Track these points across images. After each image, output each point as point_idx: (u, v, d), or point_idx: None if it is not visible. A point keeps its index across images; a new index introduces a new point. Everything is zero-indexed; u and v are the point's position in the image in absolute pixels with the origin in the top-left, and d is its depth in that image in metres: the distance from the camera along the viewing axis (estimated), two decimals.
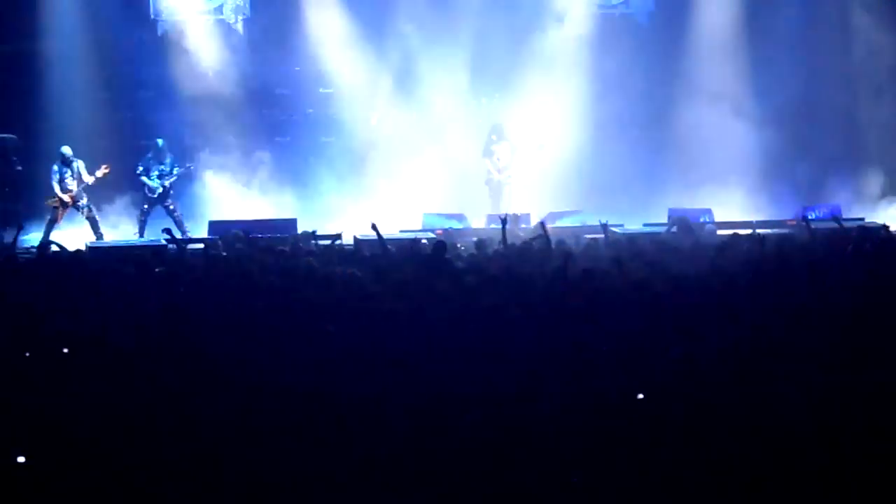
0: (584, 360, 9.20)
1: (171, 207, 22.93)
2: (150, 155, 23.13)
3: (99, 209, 23.22)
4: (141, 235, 22.64)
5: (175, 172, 22.87)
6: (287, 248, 15.95)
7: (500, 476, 7.35)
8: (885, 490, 7.10)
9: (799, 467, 7.31)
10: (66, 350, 9.82)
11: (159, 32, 25.61)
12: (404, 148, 26.10)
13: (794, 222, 23.09)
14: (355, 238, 19.42)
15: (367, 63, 25.71)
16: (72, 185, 22.39)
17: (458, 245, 17.58)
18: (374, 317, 10.67)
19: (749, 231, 17.61)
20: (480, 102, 26.48)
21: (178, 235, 21.00)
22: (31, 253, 18.41)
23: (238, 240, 16.85)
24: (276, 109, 25.90)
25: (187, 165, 22.95)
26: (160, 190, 22.74)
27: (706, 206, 23.92)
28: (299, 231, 19.80)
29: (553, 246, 15.57)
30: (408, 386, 8.68)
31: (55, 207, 22.40)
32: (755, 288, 12.01)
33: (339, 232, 20.48)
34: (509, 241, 16.73)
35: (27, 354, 9.84)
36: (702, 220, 22.82)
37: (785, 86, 25.51)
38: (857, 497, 7.08)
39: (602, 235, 17.96)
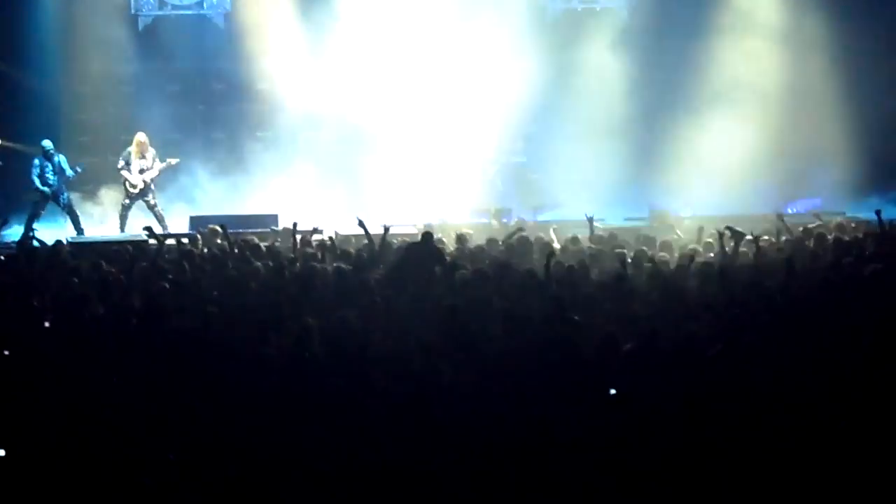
0: (568, 355, 9.22)
1: (152, 203, 22.85)
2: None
3: (81, 204, 23.17)
4: (122, 230, 22.56)
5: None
6: (268, 243, 15.94)
7: (487, 466, 7.36)
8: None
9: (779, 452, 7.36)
10: (45, 345, 9.81)
11: (140, 28, 25.53)
12: (387, 144, 26.10)
13: (774, 217, 23.13)
14: (336, 234, 19.40)
15: (348, 57, 25.66)
16: (53, 179, 22.31)
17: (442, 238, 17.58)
18: (356, 310, 10.67)
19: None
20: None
21: (159, 230, 20.95)
22: (12, 248, 18.36)
23: (216, 234, 16.81)
24: (258, 104, 25.81)
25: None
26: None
27: (687, 201, 23.95)
28: (280, 226, 19.78)
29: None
30: (391, 379, 8.69)
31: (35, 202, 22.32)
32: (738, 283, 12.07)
33: (320, 227, 20.48)
34: (491, 236, 16.77)
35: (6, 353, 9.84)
36: (681, 214, 22.87)
37: (767, 79, 25.52)
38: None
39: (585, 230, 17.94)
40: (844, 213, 22.71)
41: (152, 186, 22.88)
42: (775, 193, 24.89)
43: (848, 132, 25.54)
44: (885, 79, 26.09)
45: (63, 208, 22.51)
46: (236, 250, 14.96)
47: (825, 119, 25.88)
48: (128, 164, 22.86)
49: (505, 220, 21.24)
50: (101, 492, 7.31)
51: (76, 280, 13.14)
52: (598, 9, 27.11)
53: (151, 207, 22.82)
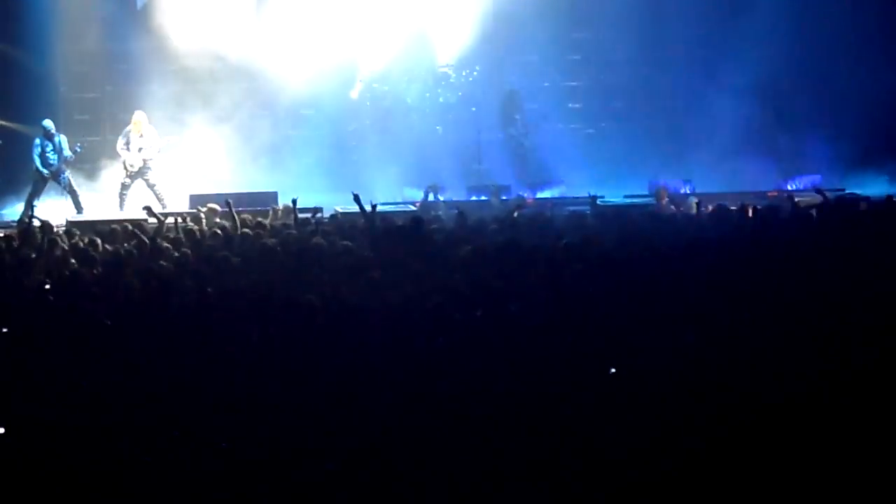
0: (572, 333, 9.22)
1: (152, 181, 22.82)
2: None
3: (80, 183, 23.16)
4: (121, 209, 22.54)
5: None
6: (267, 221, 15.92)
7: (487, 450, 7.36)
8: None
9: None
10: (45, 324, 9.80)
11: (138, 6, 25.47)
12: (384, 121, 26.12)
13: (776, 193, 23.13)
14: (336, 211, 19.41)
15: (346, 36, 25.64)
16: (53, 158, 22.30)
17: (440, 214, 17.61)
18: (359, 289, 10.67)
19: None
20: (460, 75, 26.44)
21: (159, 209, 20.93)
22: (11, 227, 18.34)
23: (216, 212, 16.79)
24: (257, 83, 25.75)
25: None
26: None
27: (687, 178, 23.96)
28: (280, 203, 19.77)
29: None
30: (393, 359, 8.68)
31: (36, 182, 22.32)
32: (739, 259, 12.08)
33: (319, 206, 20.48)
34: (492, 212, 16.75)
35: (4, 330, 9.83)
36: (682, 190, 22.87)
37: (766, 55, 25.47)
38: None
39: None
40: (844, 190, 22.72)
41: (151, 165, 22.83)
42: (775, 170, 24.90)
43: (847, 107, 25.52)
44: (883, 53, 26.05)
45: (63, 188, 22.50)
46: (240, 227, 14.93)
47: (824, 94, 25.88)
48: (127, 143, 22.82)
49: (504, 198, 21.21)
50: (97, 469, 7.30)
51: (74, 259, 13.13)
52: None
53: (151, 186, 22.79)
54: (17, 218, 20.50)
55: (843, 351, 8.51)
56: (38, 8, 24.77)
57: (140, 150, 22.73)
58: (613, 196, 22.13)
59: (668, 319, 9.49)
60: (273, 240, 13.91)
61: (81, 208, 22.44)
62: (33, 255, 13.54)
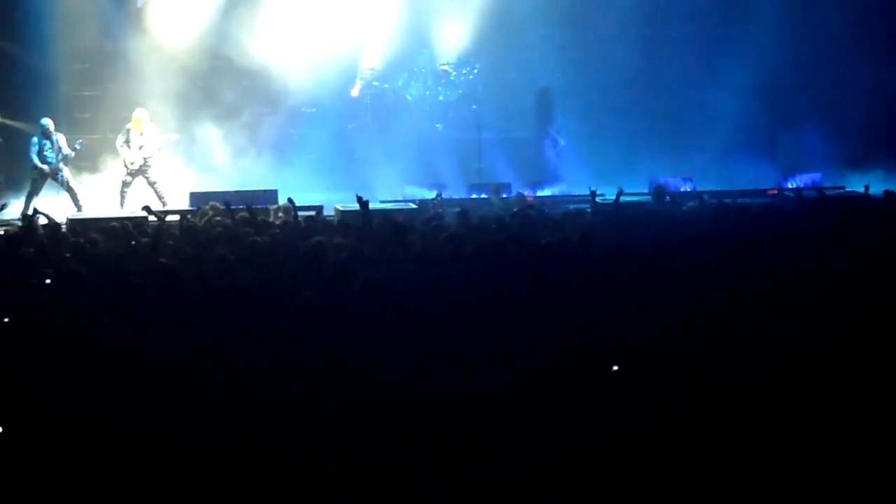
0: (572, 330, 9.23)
1: (152, 179, 22.82)
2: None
3: (80, 181, 23.17)
4: (122, 207, 22.54)
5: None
6: (268, 219, 15.93)
7: (483, 445, 7.36)
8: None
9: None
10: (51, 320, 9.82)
11: (138, 4, 25.47)
12: (385, 119, 26.16)
13: (776, 191, 23.17)
14: (336, 209, 19.42)
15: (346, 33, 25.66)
16: (51, 156, 22.30)
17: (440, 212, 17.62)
18: (356, 285, 10.67)
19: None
20: (461, 73, 26.47)
21: (159, 207, 20.95)
22: (14, 225, 18.34)
23: (217, 211, 16.79)
24: (257, 80, 25.74)
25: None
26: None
27: (687, 176, 23.99)
28: (280, 202, 19.77)
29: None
30: (394, 356, 8.69)
31: (34, 179, 22.33)
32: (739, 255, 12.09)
33: (320, 204, 20.50)
34: (493, 210, 16.74)
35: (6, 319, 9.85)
36: (683, 188, 22.90)
37: (766, 54, 25.49)
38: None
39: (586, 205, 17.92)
40: (844, 188, 22.76)
41: (151, 163, 22.82)
42: (775, 168, 24.94)
43: (848, 105, 25.54)
44: (883, 51, 26.08)
45: (62, 185, 22.49)
46: (239, 226, 14.95)
47: (825, 92, 25.91)
48: (127, 140, 22.81)
49: (504, 196, 21.23)
50: (97, 467, 7.31)
51: (76, 256, 13.14)
52: None
53: (151, 184, 22.79)
54: (16, 216, 20.52)
55: (845, 345, 8.52)
56: (39, 5, 24.76)
57: (140, 147, 22.72)
58: (613, 194, 22.10)
59: (669, 316, 9.49)
60: (269, 238, 13.93)
61: (80, 206, 22.43)
62: (33, 252, 13.54)
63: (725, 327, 9.21)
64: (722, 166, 24.70)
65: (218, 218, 16.39)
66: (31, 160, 22.42)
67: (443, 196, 20.81)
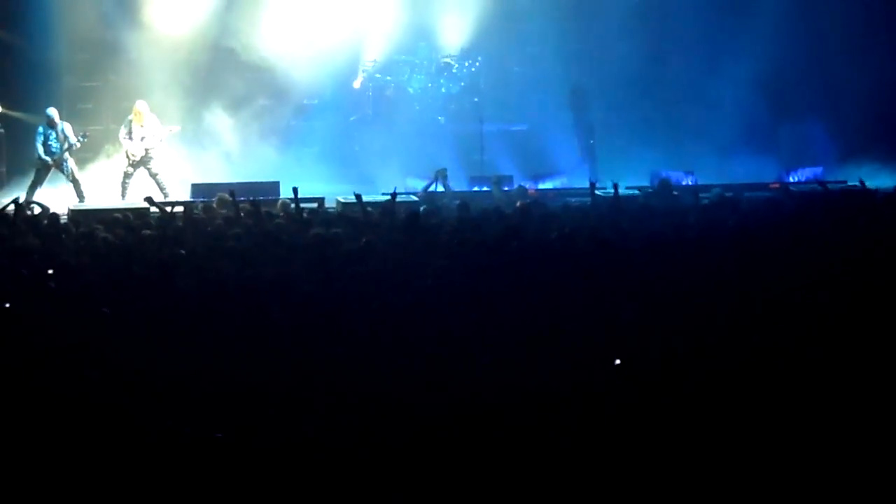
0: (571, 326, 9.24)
1: (154, 171, 22.82)
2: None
3: (83, 172, 23.18)
4: (123, 198, 22.55)
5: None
6: (272, 210, 15.92)
7: (489, 437, 7.37)
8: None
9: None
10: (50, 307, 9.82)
11: None
12: (387, 111, 26.17)
13: (777, 185, 23.16)
14: (338, 201, 19.43)
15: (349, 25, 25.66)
16: (56, 146, 22.32)
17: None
18: (358, 277, 10.69)
19: None
20: (463, 66, 26.47)
21: (161, 198, 20.96)
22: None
23: (224, 203, 16.78)
24: (259, 71, 25.73)
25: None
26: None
27: (688, 169, 23.97)
28: (282, 193, 19.77)
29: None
30: (393, 347, 8.70)
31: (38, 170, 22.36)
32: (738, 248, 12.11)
33: (321, 196, 20.51)
34: (494, 203, 16.73)
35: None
36: (685, 182, 22.89)
37: (767, 47, 25.48)
38: None
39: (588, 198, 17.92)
40: (846, 181, 22.73)
41: (153, 154, 22.82)
42: (777, 161, 24.94)
43: (849, 99, 25.53)
44: (884, 44, 26.07)
45: (66, 176, 22.50)
46: (242, 217, 14.95)
47: (826, 86, 25.90)
48: (129, 132, 22.82)
49: (506, 188, 21.22)
50: (96, 459, 7.32)
51: (76, 247, 13.14)
52: None
53: (153, 175, 22.79)
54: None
55: (849, 337, 8.54)
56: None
57: (142, 139, 22.72)
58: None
59: (670, 308, 9.51)
60: (275, 227, 13.94)
61: (83, 197, 22.45)
62: (36, 242, 13.54)
63: (727, 320, 9.23)
64: (723, 160, 24.70)
65: (223, 211, 16.38)
66: (35, 150, 22.44)
67: (446, 183, 20.83)
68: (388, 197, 16.57)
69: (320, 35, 25.25)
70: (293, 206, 15.99)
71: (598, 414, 7.59)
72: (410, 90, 26.44)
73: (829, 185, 19.37)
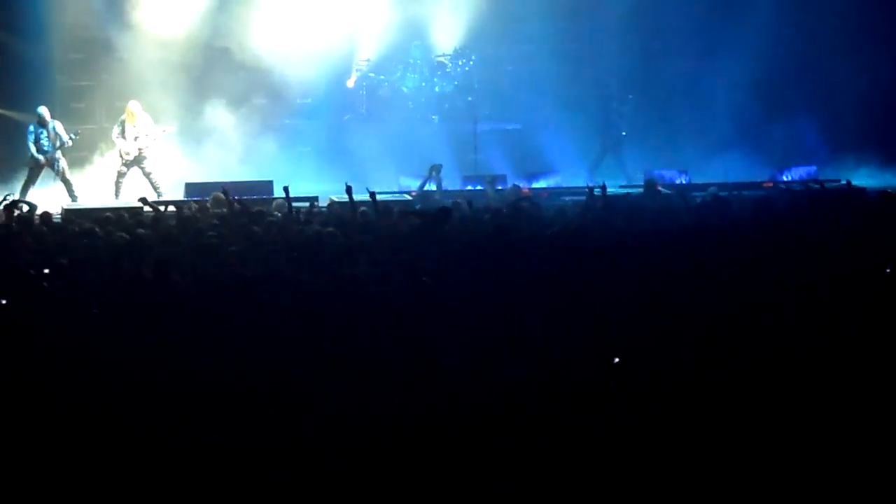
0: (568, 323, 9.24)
1: (147, 170, 22.81)
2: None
3: (75, 171, 23.16)
4: (117, 198, 22.53)
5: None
6: (264, 209, 15.92)
7: (484, 435, 7.37)
8: None
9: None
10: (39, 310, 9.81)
11: None
12: (380, 110, 26.18)
13: (771, 184, 23.20)
14: (331, 200, 19.42)
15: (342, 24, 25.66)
16: (47, 145, 22.29)
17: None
18: (350, 277, 10.69)
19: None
20: (457, 65, 26.49)
21: (155, 198, 20.95)
22: None
23: (218, 202, 16.78)
24: (252, 71, 25.71)
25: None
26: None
27: (682, 168, 24.01)
28: (275, 192, 19.76)
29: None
30: (389, 346, 8.70)
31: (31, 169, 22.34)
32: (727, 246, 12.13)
33: (315, 195, 20.49)
34: (488, 202, 16.73)
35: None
36: (678, 181, 22.93)
37: (761, 47, 25.51)
38: None
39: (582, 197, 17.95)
40: (839, 181, 22.78)
41: (147, 154, 22.80)
42: (770, 161, 24.96)
43: (842, 98, 25.58)
44: (877, 44, 26.10)
45: (57, 175, 22.47)
46: (237, 215, 14.96)
47: (820, 85, 25.94)
48: (122, 131, 22.80)
49: (500, 188, 21.24)
50: (90, 459, 7.31)
51: (69, 247, 13.14)
52: None
53: (147, 174, 22.78)
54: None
55: (844, 335, 8.55)
56: None
57: (136, 138, 22.70)
58: (609, 186, 22.14)
59: (664, 308, 9.51)
60: (266, 228, 13.93)
61: (75, 196, 22.42)
62: (28, 241, 13.54)
63: (719, 320, 9.24)
64: (717, 159, 24.73)
65: (217, 210, 16.37)
66: (27, 149, 22.41)
67: (440, 180, 20.87)
68: (380, 196, 16.57)
69: (314, 34, 25.25)
70: (286, 205, 15.98)
71: (592, 413, 7.58)
72: (404, 89, 26.45)
73: (823, 184, 19.41)
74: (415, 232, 13.22)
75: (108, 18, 25.25)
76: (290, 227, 13.98)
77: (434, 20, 26.12)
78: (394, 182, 23.48)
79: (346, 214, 15.30)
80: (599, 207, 16.45)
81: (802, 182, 22.45)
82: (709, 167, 24.37)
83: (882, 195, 16.80)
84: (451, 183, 23.21)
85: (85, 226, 14.60)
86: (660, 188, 19.20)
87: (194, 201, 18.30)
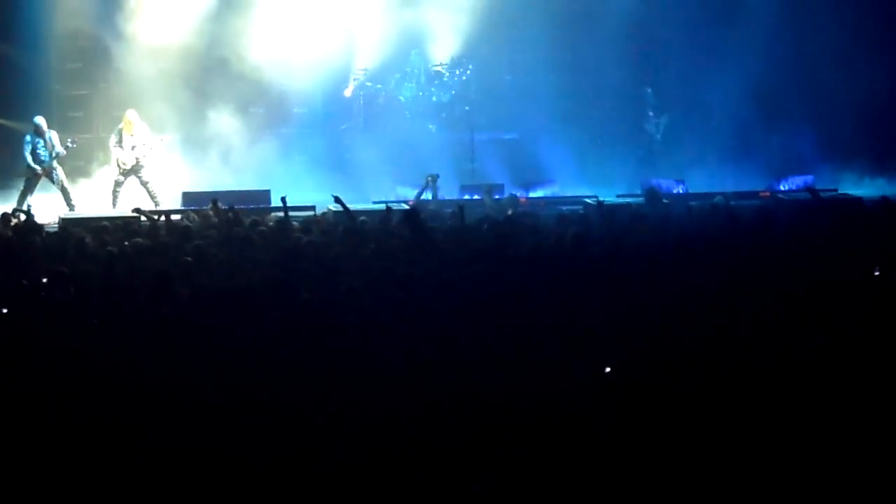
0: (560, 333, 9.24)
1: (145, 179, 22.79)
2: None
3: (72, 180, 23.14)
4: (114, 207, 22.51)
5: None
6: (258, 218, 15.91)
7: (480, 441, 7.37)
8: None
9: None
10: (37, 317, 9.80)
11: (131, 4, 25.40)
12: (377, 120, 26.19)
13: (768, 194, 23.21)
14: (328, 209, 19.40)
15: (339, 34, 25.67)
16: (44, 155, 22.26)
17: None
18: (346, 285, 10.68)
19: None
20: (454, 74, 26.51)
21: (152, 207, 20.94)
22: None
23: (216, 211, 16.78)
24: (249, 80, 25.70)
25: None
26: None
27: (679, 178, 24.01)
28: (273, 202, 19.76)
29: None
30: (386, 355, 8.70)
31: (28, 179, 22.32)
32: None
33: (312, 204, 20.50)
34: (485, 211, 16.72)
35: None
36: (675, 190, 22.92)
37: (758, 56, 25.52)
38: None
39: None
40: (836, 190, 22.82)
41: (144, 163, 22.79)
42: (767, 170, 24.95)
43: (840, 108, 25.58)
44: (874, 54, 26.11)
45: (55, 184, 22.46)
46: (231, 225, 14.95)
47: (817, 95, 25.94)
48: (120, 141, 22.78)
49: (497, 197, 21.23)
50: (89, 469, 7.30)
51: (67, 256, 13.12)
52: None
53: (144, 184, 22.76)
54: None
55: (839, 346, 8.55)
56: (31, 5, 24.73)
57: (133, 148, 22.69)
58: (606, 195, 22.15)
59: (661, 317, 9.51)
60: (260, 235, 13.93)
61: (73, 205, 22.41)
62: (27, 251, 13.52)
63: (718, 329, 9.24)
64: (714, 168, 24.73)
65: (213, 218, 16.37)
66: (24, 159, 22.39)
67: (436, 188, 20.89)
68: (383, 205, 16.57)
69: (311, 44, 25.23)
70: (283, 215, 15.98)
71: (590, 421, 7.58)
72: (401, 98, 26.46)
73: (820, 194, 19.40)
74: (408, 243, 13.22)
75: (106, 28, 25.25)
76: (284, 237, 13.97)
77: (431, 30, 26.12)
78: (391, 191, 23.46)
79: (344, 224, 15.29)
80: (600, 216, 16.47)
81: (799, 191, 22.45)
82: (706, 177, 24.37)
83: (881, 202, 16.82)
84: (449, 192, 23.19)
85: (81, 235, 14.58)
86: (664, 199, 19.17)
87: (192, 210, 18.29)
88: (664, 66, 26.32)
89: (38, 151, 22.30)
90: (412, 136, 25.64)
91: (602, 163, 25.12)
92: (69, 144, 22.43)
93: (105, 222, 16.35)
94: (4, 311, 10.16)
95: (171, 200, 22.51)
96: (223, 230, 14.73)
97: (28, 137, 22.44)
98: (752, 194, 22.80)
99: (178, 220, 16.12)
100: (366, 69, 26.23)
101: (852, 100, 25.44)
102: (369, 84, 26.37)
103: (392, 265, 11.77)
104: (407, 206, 20.55)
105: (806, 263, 11.67)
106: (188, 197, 21.94)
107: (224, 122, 25.25)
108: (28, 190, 22.27)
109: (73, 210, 22.17)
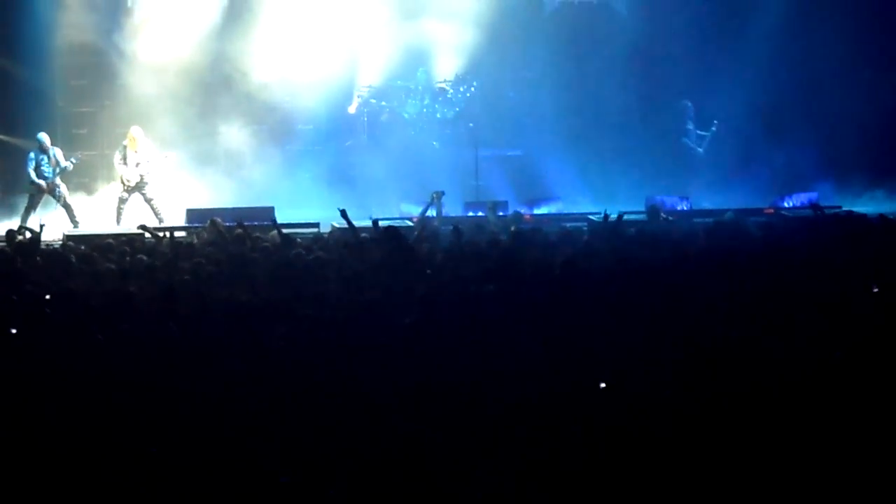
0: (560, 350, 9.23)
1: (149, 196, 22.82)
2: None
3: (76, 197, 23.18)
4: (118, 224, 22.55)
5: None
6: (261, 235, 15.91)
7: (481, 461, 7.36)
8: None
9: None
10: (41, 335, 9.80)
11: (136, 22, 25.47)
12: (381, 136, 26.21)
13: (772, 210, 23.20)
14: (333, 226, 19.41)
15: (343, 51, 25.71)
16: (48, 171, 22.30)
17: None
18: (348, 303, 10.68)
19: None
20: (458, 91, 26.54)
21: (156, 223, 20.97)
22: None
23: (227, 231, 16.77)
24: (254, 97, 25.75)
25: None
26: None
27: (683, 194, 24.01)
28: (277, 219, 19.75)
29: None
30: (384, 370, 8.69)
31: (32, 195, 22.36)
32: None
33: (317, 221, 20.52)
34: (488, 227, 16.72)
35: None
36: (679, 207, 22.93)
37: (762, 73, 25.55)
38: None
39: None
40: (840, 207, 22.79)
41: (148, 180, 22.82)
42: (772, 186, 24.96)
43: (844, 125, 25.60)
44: (878, 70, 26.15)
45: (59, 201, 22.49)
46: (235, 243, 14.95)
47: (821, 111, 25.95)
48: (124, 157, 22.83)
49: (501, 214, 21.22)
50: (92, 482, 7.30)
51: (71, 273, 13.13)
52: (594, 2, 27.13)
53: (148, 200, 22.80)
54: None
55: (845, 364, 8.53)
56: (36, 22, 24.79)
57: (137, 165, 22.73)
58: (610, 212, 22.13)
59: (663, 335, 9.49)
60: (267, 253, 13.92)
61: (77, 222, 22.45)
62: (30, 268, 13.53)
63: (721, 345, 9.22)
64: (718, 185, 24.74)
65: (215, 235, 16.37)
66: (27, 176, 22.43)
67: (440, 206, 20.89)
68: (382, 222, 16.54)
69: (315, 61, 25.29)
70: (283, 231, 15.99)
71: (593, 440, 7.57)
72: (405, 115, 26.48)
73: (824, 210, 19.39)
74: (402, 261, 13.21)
75: (111, 45, 25.31)
76: (286, 253, 13.97)
77: (435, 47, 26.16)
78: (395, 208, 23.48)
79: (348, 240, 15.28)
80: (605, 234, 16.46)
81: (804, 208, 22.44)
82: (710, 193, 24.39)
83: (882, 220, 16.82)
84: (453, 209, 23.20)
85: (85, 252, 14.59)
86: (663, 214, 19.18)
87: (196, 227, 18.30)
88: (668, 83, 26.33)
89: (41, 168, 22.35)
90: (416, 153, 25.67)
91: (607, 180, 25.12)
92: (73, 160, 22.48)
93: (109, 239, 16.34)
94: (13, 331, 10.16)
95: (175, 217, 22.52)
96: (227, 248, 14.72)
97: (32, 154, 22.50)
98: (757, 211, 22.80)
99: (182, 237, 16.11)
100: (370, 86, 26.27)
101: (857, 116, 25.45)
102: (373, 101, 26.40)
103: (393, 283, 11.76)
104: (411, 223, 20.61)
105: (814, 281, 11.66)
106: (192, 214, 21.96)
107: (228, 138, 25.30)
108: (32, 206, 22.31)
109: (76, 227, 22.20)
